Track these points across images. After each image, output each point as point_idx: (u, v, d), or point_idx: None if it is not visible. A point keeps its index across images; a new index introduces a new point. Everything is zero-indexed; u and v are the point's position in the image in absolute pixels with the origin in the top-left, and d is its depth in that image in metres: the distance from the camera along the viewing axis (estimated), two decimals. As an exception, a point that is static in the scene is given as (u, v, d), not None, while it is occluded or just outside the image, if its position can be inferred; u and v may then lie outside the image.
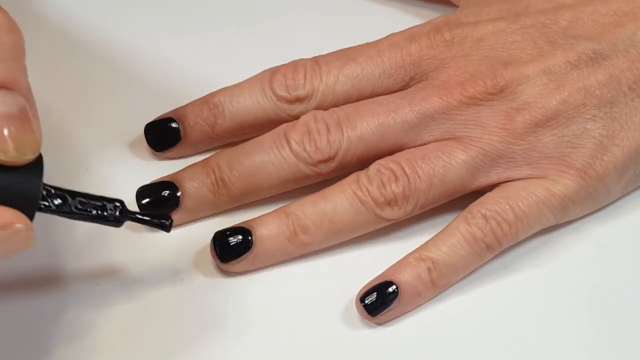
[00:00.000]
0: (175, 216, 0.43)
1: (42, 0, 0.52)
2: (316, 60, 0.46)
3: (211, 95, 0.46)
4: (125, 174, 0.45)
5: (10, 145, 0.33)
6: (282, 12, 0.53)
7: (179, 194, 0.43)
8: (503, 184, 0.43)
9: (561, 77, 0.43)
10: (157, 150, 0.46)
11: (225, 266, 0.42)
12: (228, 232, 0.42)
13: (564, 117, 0.43)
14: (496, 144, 0.43)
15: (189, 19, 0.53)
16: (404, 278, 0.41)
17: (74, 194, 0.37)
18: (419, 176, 0.42)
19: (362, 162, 0.43)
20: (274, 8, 0.53)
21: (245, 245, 0.42)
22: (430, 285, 0.42)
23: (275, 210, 0.43)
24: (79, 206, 0.37)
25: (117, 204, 0.38)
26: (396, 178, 0.42)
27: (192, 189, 0.43)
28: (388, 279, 0.41)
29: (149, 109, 0.46)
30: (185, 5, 0.53)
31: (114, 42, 0.51)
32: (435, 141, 0.43)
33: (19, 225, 0.33)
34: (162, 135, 0.45)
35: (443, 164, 0.43)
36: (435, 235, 0.43)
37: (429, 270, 0.41)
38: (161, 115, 0.46)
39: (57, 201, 0.36)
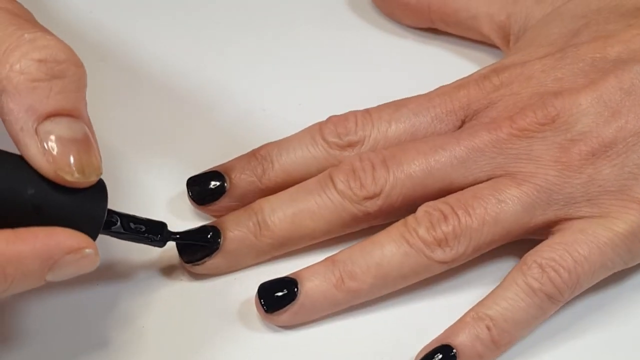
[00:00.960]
0: (216, 260, 0.42)
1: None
2: (367, 110, 0.44)
3: (258, 148, 0.44)
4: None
5: (75, 168, 0.35)
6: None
7: (220, 239, 0.42)
8: (560, 229, 0.41)
9: (615, 104, 0.41)
10: (200, 204, 0.44)
11: (269, 318, 0.40)
12: (273, 283, 0.41)
13: (622, 145, 0.41)
14: (552, 178, 0.41)
15: (191, 19, 0.53)
16: (462, 340, 0.39)
17: (126, 216, 0.39)
18: (469, 215, 0.40)
19: (410, 202, 0.42)
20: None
21: (292, 295, 0.40)
22: (492, 345, 0.39)
23: (322, 260, 0.41)
24: (131, 227, 0.39)
25: (162, 225, 0.40)
26: (445, 218, 0.40)
27: (233, 232, 0.42)
28: (445, 342, 0.39)
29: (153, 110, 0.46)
30: (187, 6, 0.53)
31: (113, 42, 0.51)
32: (487, 178, 0.41)
33: (88, 250, 0.35)
34: (205, 188, 0.43)
35: (496, 202, 0.40)
36: (492, 291, 0.40)
37: (488, 328, 0.39)
38: (205, 171, 0.44)
39: (115, 224, 0.38)
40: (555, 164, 0.41)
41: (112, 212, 0.38)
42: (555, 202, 0.41)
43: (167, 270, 0.42)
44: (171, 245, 0.43)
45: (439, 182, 0.42)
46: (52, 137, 0.35)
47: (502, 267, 0.42)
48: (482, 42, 0.51)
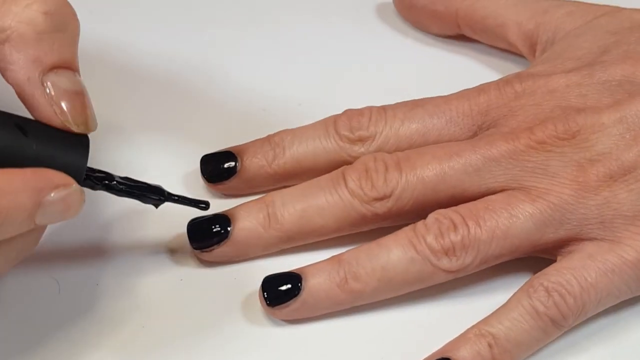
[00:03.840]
0: (225, 249, 0.42)
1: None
2: (383, 106, 0.44)
3: (273, 134, 0.44)
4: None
5: (80, 119, 0.36)
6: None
7: (229, 228, 0.42)
8: (569, 252, 0.40)
9: (639, 127, 0.40)
10: (210, 182, 0.44)
11: (271, 311, 0.40)
12: (277, 276, 0.41)
13: None
14: (567, 197, 0.40)
15: (191, 19, 0.53)
16: (463, 355, 0.38)
17: (117, 176, 0.39)
18: (480, 226, 0.40)
19: (421, 207, 0.41)
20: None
21: (295, 290, 0.40)
22: None
23: (328, 259, 0.41)
24: (122, 181, 0.39)
25: (157, 187, 0.40)
26: (455, 227, 0.40)
27: (243, 222, 0.42)
28: (445, 355, 0.38)
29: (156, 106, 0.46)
30: (187, 5, 0.53)
31: (112, 42, 0.51)
32: (501, 189, 0.41)
33: (75, 187, 0.36)
34: (218, 166, 0.44)
35: (507, 216, 0.40)
36: (497, 310, 0.40)
37: (490, 346, 0.38)
38: (219, 150, 0.45)
39: (101, 175, 0.39)
40: (572, 183, 0.40)
41: (102, 171, 0.39)
42: (568, 222, 0.40)
43: (167, 270, 0.42)
44: (171, 245, 0.43)
45: (452, 188, 0.41)
46: (58, 89, 0.36)
47: (507, 281, 0.42)
48: (507, 51, 0.51)
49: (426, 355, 0.39)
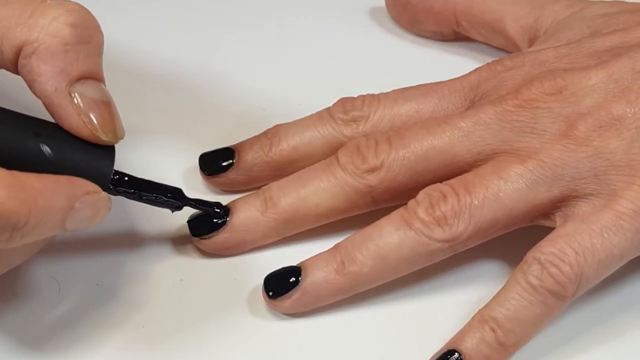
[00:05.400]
0: (223, 235, 0.42)
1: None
2: (376, 94, 0.45)
3: (269, 128, 0.45)
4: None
5: (109, 128, 0.37)
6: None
7: (228, 217, 0.42)
8: (564, 216, 0.40)
9: (627, 82, 0.40)
10: (209, 175, 0.45)
11: (273, 304, 0.41)
12: (278, 270, 0.41)
13: (632, 120, 0.39)
14: (557, 154, 0.39)
15: (191, 19, 0.53)
16: (468, 344, 0.38)
17: (139, 179, 0.40)
18: (470, 193, 0.39)
19: (414, 177, 0.41)
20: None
21: (294, 281, 0.40)
22: (498, 347, 0.38)
23: (327, 250, 0.41)
24: (143, 187, 0.40)
25: (177, 190, 0.41)
26: (445, 197, 0.40)
27: (241, 209, 0.42)
28: (452, 347, 0.39)
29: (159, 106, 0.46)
30: (187, 5, 0.53)
31: (112, 42, 0.51)
32: (492, 152, 0.41)
33: (104, 194, 0.37)
34: (215, 159, 0.45)
35: (497, 179, 0.40)
36: (496, 294, 0.39)
37: (493, 330, 0.38)
38: (217, 148, 0.45)
39: (125, 178, 0.39)
40: (561, 138, 0.40)
41: (127, 175, 0.40)
42: (561, 178, 0.39)
43: (167, 271, 0.42)
44: (171, 245, 0.43)
45: (442, 154, 0.41)
46: (85, 99, 0.36)
47: (508, 266, 0.42)
48: (503, 50, 0.51)
49: (430, 348, 0.40)
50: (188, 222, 0.43)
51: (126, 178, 0.39)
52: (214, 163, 0.45)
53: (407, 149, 0.41)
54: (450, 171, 0.41)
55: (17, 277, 0.41)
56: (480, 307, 0.40)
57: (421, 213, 0.40)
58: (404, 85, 0.45)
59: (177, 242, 0.43)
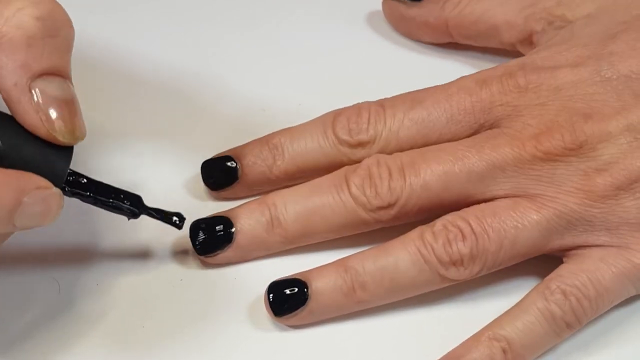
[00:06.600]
0: (228, 253, 0.42)
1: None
2: (381, 103, 0.43)
3: (271, 135, 0.44)
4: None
5: (67, 129, 0.35)
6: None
7: (233, 230, 0.42)
8: (579, 254, 0.40)
9: None
10: (213, 189, 0.44)
11: (278, 320, 0.40)
12: (283, 283, 0.40)
13: None
14: (573, 205, 0.40)
15: (191, 19, 0.53)
16: (475, 357, 0.38)
17: (97, 182, 0.39)
18: (488, 236, 0.39)
19: (424, 212, 0.41)
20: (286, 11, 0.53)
21: (301, 299, 0.40)
22: None
23: (334, 262, 0.41)
24: (100, 191, 0.39)
25: (136, 197, 0.39)
26: (464, 237, 0.39)
27: (246, 226, 0.42)
28: (457, 359, 0.39)
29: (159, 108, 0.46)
30: (187, 5, 0.53)
31: (112, 42, 0.51)
32: (505, 196, 0.40)
33: (55, 189, 0.35)
34: (219, 174, 0.44)
35: (514, 225, 0.40)
36: (509, 311, 0.40)
37: (504, 351, 0.38)
38: (218, 154, 0.44)
39: (82, 180, 0.38)
40: (578, 192, 0.40)
41: (83, 176, 0.38)
42: (574, 229, 0.40)
43: (167, 271, 0.42)
44: (171, 245, 0.43)
45: (456, 195, 0.41)
46: (46, 96, 0.35)
47: (512, 283, 0.42)
48: (502, 50, 0.50)
49: (433, 358, 0.40)
50: (191, 237, 0.42)
51: (84, 180, 0.38)
52: (217, 179, 0.44)
53: (422, 188, 0.41)
54: (463, 206, 0.41)
55: (16, 277, 0.41)
56: (477, 316, 0.40)
57: (439, 250, 0.40)
58: (403, 87, 0.45)
59: (178, 242, 0.43)
